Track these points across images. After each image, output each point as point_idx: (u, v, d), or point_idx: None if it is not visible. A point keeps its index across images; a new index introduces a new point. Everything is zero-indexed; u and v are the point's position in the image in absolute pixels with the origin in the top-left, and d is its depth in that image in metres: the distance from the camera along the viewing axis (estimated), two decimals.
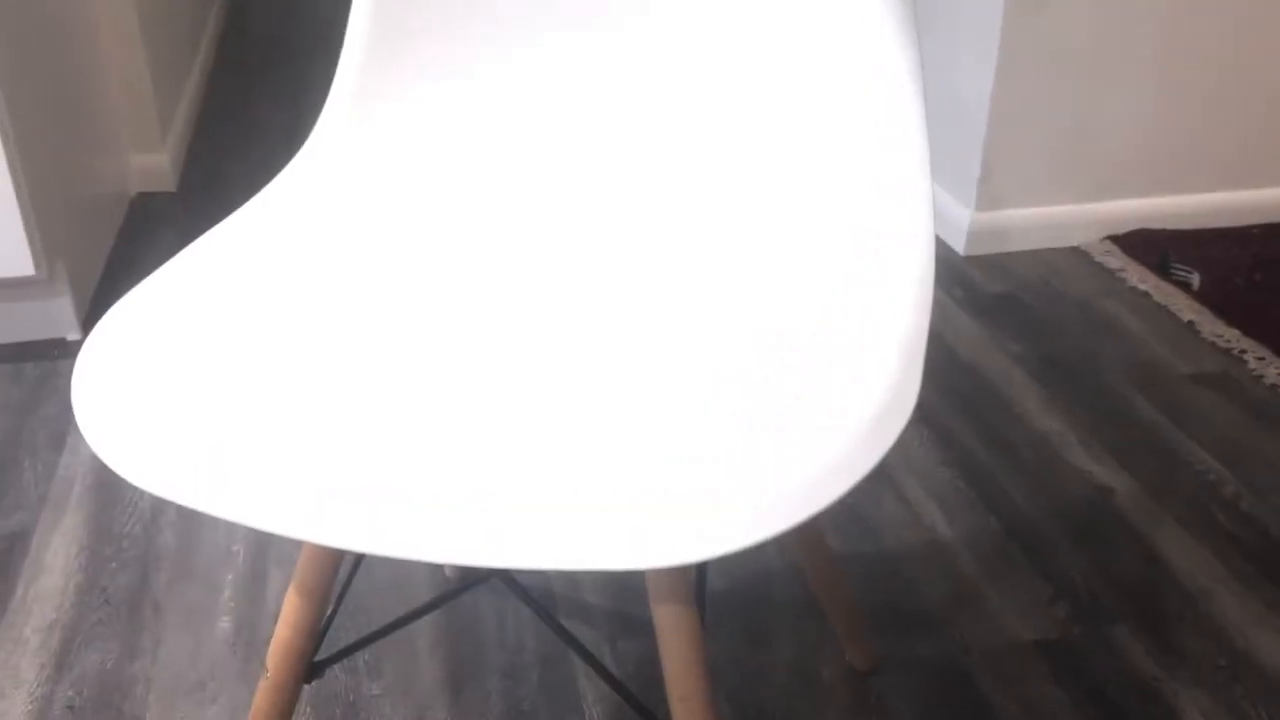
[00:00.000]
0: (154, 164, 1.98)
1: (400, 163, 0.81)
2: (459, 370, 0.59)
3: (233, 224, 0.71)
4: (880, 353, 0.59)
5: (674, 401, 0.56)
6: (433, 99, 0.84)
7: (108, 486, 1.26)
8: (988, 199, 1.79)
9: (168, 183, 2.00)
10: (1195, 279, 1.69)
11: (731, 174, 0.80)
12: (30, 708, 0.99)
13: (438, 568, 1.15)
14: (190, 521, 1.21)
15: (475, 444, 0.53)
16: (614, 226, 0.75)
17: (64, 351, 1.52)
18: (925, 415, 1.40)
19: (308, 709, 0.99)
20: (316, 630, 0.73)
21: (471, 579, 0.91)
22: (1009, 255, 1.82)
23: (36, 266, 1.43)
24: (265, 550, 1.17)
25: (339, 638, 1.07)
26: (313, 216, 0.73)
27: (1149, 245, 1.79)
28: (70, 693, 1.01)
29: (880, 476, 1.29)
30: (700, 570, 0.78)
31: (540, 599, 1.11)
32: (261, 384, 0.58)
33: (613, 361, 0.60)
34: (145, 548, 1.18)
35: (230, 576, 1.14)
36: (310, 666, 0.76)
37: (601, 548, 0.50)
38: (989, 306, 1.66)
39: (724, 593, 1.12)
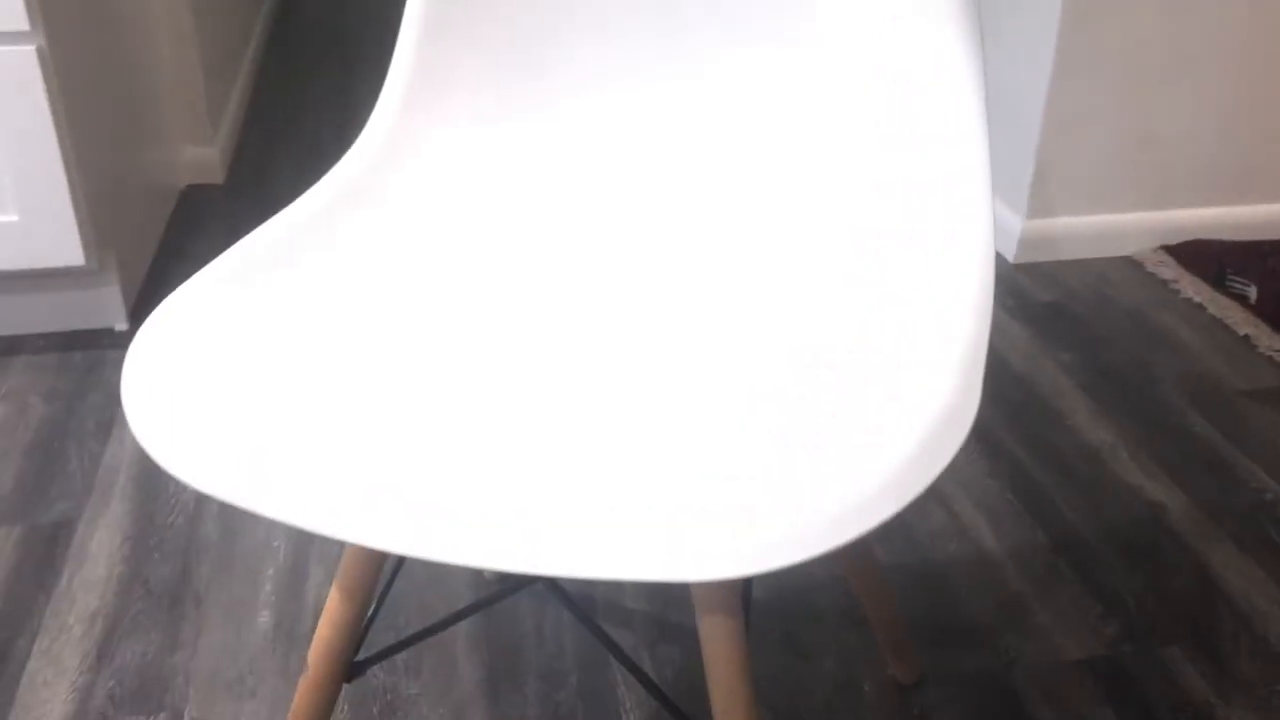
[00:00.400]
0: (203, 157, 2.00)
1: (446, 171, 0.80)
2: (502, 380, 0.58)
3: (279, 223, 0.71)
4: (936, 370, 0.58)
5: (728, 420, 0.55)
6: (481, 110, 0.84)
7: (152, 477, 1.27)
8: (1039, 206, 1.76)
9: (216, 175, 2.02)
10: (1253, 291, 1.65)
11: (780, 182, 0.79)
12: (72, 696, 1.00)
13: (478, 570, 1.14)
14: (232, 515, 1.22)
15: (518, 455, 0.53)
16: (655, 242, 0.74)
17: (112, 342, 1.53)
18: (974, 426, 1.38)
19: (346, 707, 0.99)
20: (358, 629, 0.73)
21: (513, 583, 0.90)
22: (1060, 264, 1.79)
23: (87, 257, 1.44)
24: (306, 546, 1.17)
25: (379, 637, 1.07)
26: (361, 220, 0.73)
27: (1205, 256, 1.76)
28: (111, 683, 1.01)
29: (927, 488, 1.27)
30: (746, 582, 0.77)
31: (581, 603, 1.11)
32: (308, 385, 0.57)
33: (660, 377, 0.59)
34: (188, 539, 1.18)
35: (271, 571, 1.14)
36: (350, 665, 0.76)
37: (642, 559, 0.49)
38: (1039, 316, 1.64)
39: (766, 602, 1.11)
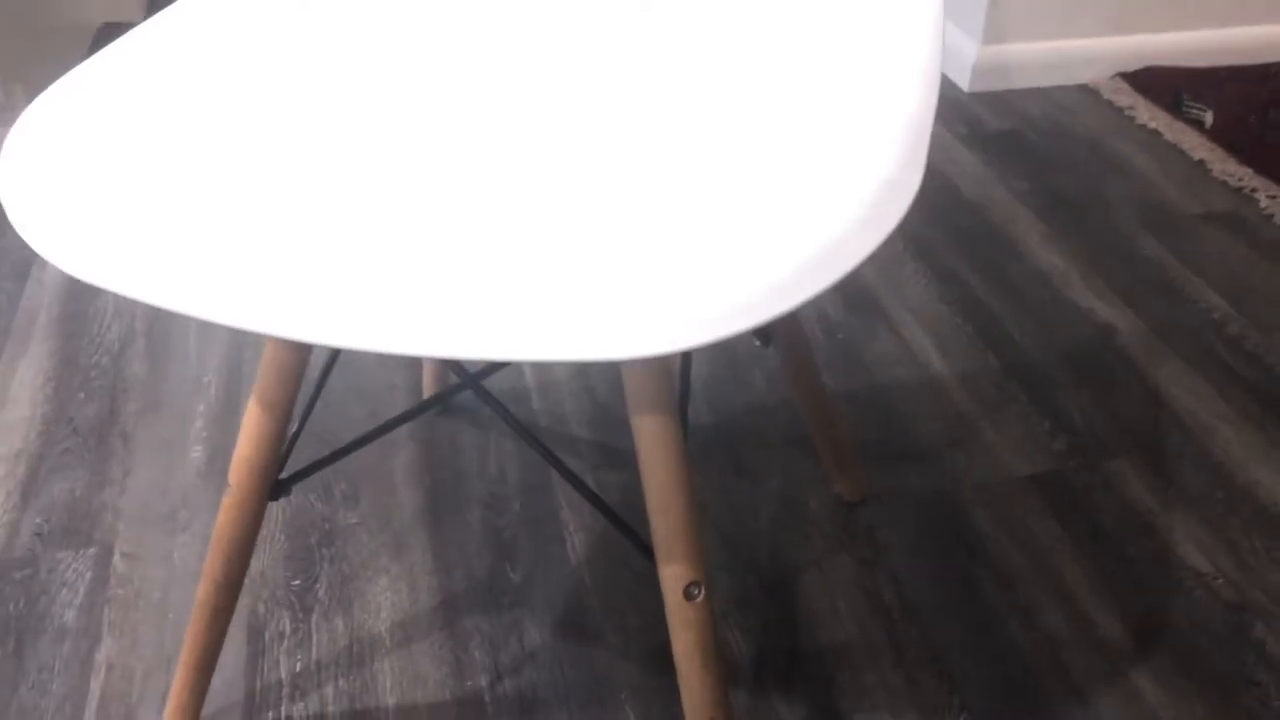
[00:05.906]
0: None
1: None
2: (423, 154, 0.54)
3: (167, 18, 0.65)
4: (882, 133, 0.54)
5: (653, 186, 0.51)
6: None
7: (74, 318, 1.22)
8: (994, 31, 1.70)
9: (134, 12, 1.90)
10: (1208, 117, 1.62)
11: None
12: None
13: (414, 388, 1.11)
14: (160, 351, 1.17)
15: (438, 229, 0.48)
16: (584, 11, 0.69)
17: None
18: (924, 252, 1.35)
19: (282, 537, 0.96)
20: (280, 443, 0.70)
21: (446, 390, 0.86)
22: (1015, 92, 1.74)
23: None
24: (239, 380, 1.13)
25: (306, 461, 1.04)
26: (253, 8, 0.67)
27: (1161, 83, 1.72)
28: (38, 520, 0.98)
29: (875, 312, 1.25)
30: (684, 382, 0.74)
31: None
32: (209, 169, 0.53)
33: (580, 144, 0.55)
34: (114, 378, 1.14)
35: (202, 407, 1.10)
36: (275, 484, 0.73)
37: (563, 338, 0.46)
38: (994, 144, 1.60)
39: (711, 426, 1.09)
